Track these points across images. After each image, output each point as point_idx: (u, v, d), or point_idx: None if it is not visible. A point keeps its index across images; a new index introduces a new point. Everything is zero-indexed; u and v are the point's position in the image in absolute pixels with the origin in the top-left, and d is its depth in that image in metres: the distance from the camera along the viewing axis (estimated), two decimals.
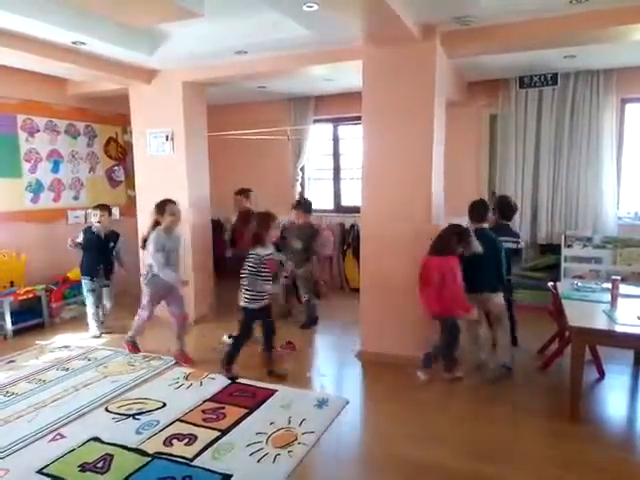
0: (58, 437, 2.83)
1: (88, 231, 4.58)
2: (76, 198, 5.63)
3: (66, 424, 2.97)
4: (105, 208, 4.63)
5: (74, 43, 3.85)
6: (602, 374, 3.58)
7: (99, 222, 4.54)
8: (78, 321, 5.04)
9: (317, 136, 6.71)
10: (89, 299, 4.59)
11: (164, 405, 3.20)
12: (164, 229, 3.82)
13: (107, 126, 5.98)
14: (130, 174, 5.91)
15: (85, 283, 4.57)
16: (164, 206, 3.83)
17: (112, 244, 4.65)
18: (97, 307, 4.63)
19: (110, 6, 3.06)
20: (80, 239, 4.53)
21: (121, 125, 6.06)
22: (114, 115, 5.97)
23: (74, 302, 5.17)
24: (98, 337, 4.56)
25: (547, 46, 3.71)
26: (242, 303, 3.58)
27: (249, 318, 3.62)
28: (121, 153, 6.19)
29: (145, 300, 3.96)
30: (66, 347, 4.34)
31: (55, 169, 5.42)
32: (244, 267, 3.48)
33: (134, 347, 4.17)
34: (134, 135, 5.17)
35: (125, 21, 3.57)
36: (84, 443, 2.75)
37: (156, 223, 3.84)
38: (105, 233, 4.60)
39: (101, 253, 4.59)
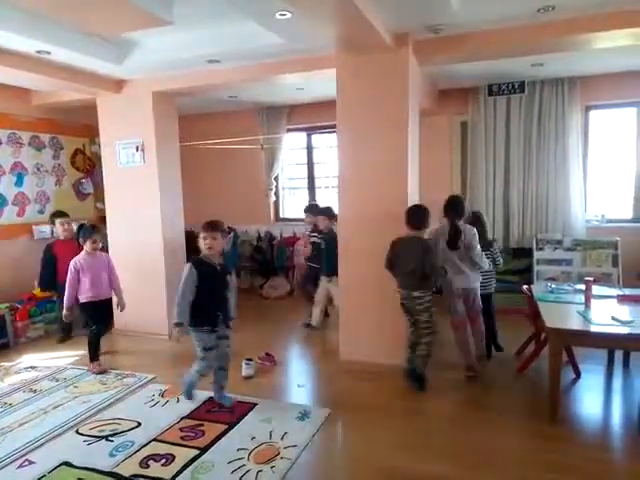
0: (26, 463, 2.68)
1: (201, 263, 3.13)
2: (41, 212, 5.43)
3: (35, 449, 2.81)
4: (217, 227, 3.18)
5: (38, 52, 3.73)
6: (578, 374, 3.64)
7: (210, 248, 3.12)
8: (45, 340, 4.84)
9: (290, 145, 6.70)
10: (205, 361, 3.17)
11: (139, 425, 3.07)
12: None
13: (74, 137, 5.80)
14: (99, 186, 5.75)
15: (201, 338, 3.12)
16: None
17: (228, 278, 3.28)
18: (214, 370, 3.27)
19: (76, 14, 2.98)
20: (191, 279, 3.05)
21: (88, 136, 5.89)
22: (81, 126, 5.80)
23: (40, 321, 4.96)
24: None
25: (516, 54, 3.81)
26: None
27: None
28: (89, 165, 6.02)
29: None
30: (33, 368, 4.14)
31: (19, 182, 5.21)
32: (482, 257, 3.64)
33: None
34: (102, 146, 5.03)
35: (92, 30, 3.48)
36: (54, 468, 2.60)
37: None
38: (219, 263, 3.22)
39: (218, 292, 3.19)
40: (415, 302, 3.42)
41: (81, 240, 4.05)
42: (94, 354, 4.05)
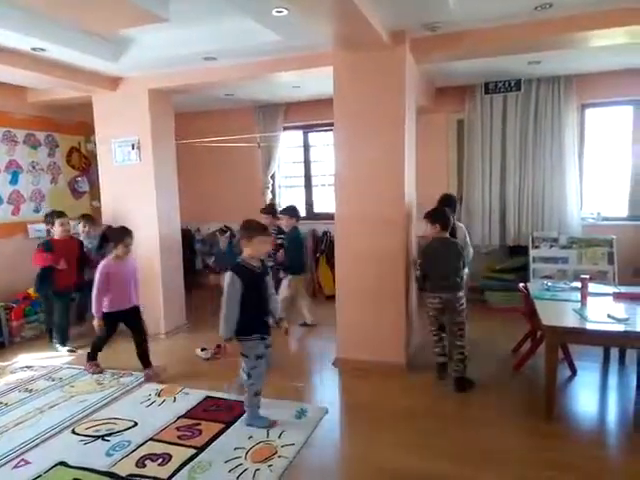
0: (22, 463, 2.67)
1: (241, 269, 2.87)
2: (37, 211, 5.40)
3: (31, 449, 2.80)
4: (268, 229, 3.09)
5: (34, 49, 3.70)
6: (574, 372, 3.66)
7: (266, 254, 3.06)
8: (40, 340, 4.82)
9: (287, 143, 6.69)
10: (258, 369, 2.93)
11: (135, 424, 3.06)
12: None
13: (69, 135, 5.77)
14: (94, 185, 5.72)
15: (251, 347, 2.90)
16: None
17: (267, 279, 3.05)
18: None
19: (72, 11, 2.95)
20: (236, 288, 2.81)
21: (84, 134, 5.86)
22: (76, 124, 5.77)
23: (35, 320, 4.93)
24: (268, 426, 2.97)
25: (513, 52, 3.80)
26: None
27: None
28: (84, 163, 5.98)
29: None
30: (28, 367, 4.12)
31: (14, 181, 5.18)
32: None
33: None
34: (98, 144, 5.00)
35: (88, 27, 3.46)
36: (50, 468, 2.59)
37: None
38: (258, 265, 2.96)
39: (263, 296, 2.99)
40: (459, 302, 3.49)
41: (111, 244, 3.74)
42: (94, 354, 3.97)
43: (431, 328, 3.64)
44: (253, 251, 2.89)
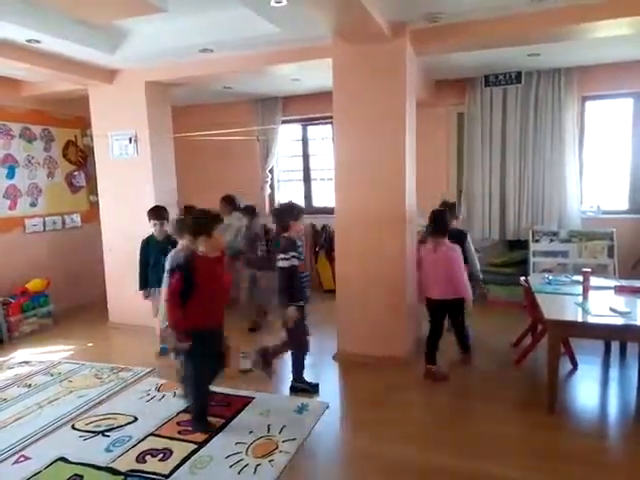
0: (22, 459, 2.65)
1: None
2: (34, 205, 5.35)
3: (30, 444, 2.79)
4: None
5: (28, 41, 3.64)
6: (575, 365, 3.65)
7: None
8: (38, 335, 4.79)
9: (286, 137, 6.64)
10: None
11: (135, 419, 3.04)
12: None
13: (65, 129, 5.71)
14: (91, 179, 5.67)
15: None
16: None
17: None
18: None
19: (68, 2, 2.91)
20: None
21: (80, 128, 5.80)
22: (72, 117, 5.71)
23: (33, 315, 4.90)
24: None
25: (514, 43, 3.75)
26: None
27: None
28: (81, 157, 5.93)
29: None
30: (27, 362, 4.10)
31: (10, 175, 5.12)
32: None
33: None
34: (95, 138, 4.95)
35: (84, 17, 3.40)
36: (50, 464, 2.57)
37: None
38: None
39: None
40: None
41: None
42: (432, 355, 3.55)
43: None
44: None
